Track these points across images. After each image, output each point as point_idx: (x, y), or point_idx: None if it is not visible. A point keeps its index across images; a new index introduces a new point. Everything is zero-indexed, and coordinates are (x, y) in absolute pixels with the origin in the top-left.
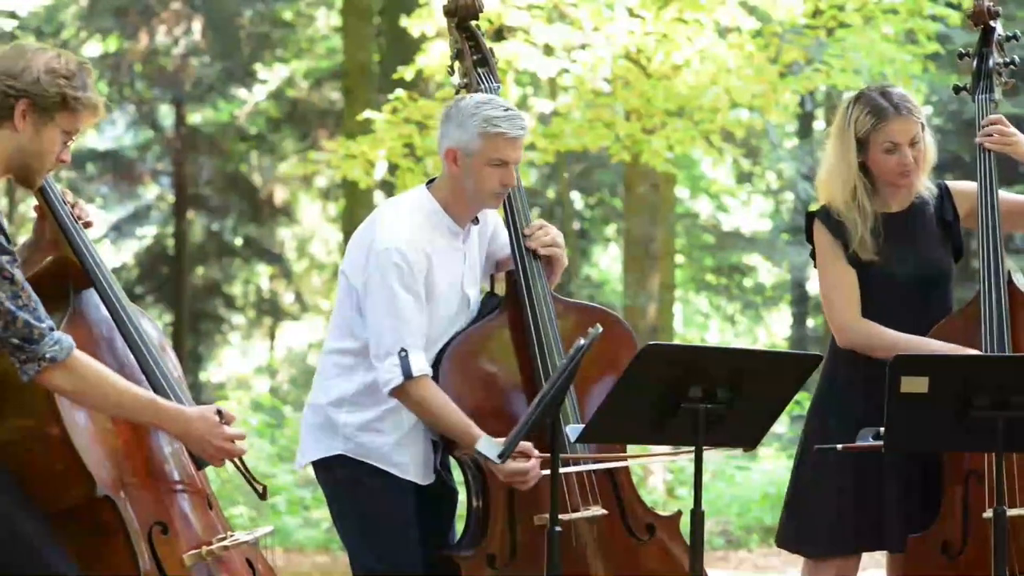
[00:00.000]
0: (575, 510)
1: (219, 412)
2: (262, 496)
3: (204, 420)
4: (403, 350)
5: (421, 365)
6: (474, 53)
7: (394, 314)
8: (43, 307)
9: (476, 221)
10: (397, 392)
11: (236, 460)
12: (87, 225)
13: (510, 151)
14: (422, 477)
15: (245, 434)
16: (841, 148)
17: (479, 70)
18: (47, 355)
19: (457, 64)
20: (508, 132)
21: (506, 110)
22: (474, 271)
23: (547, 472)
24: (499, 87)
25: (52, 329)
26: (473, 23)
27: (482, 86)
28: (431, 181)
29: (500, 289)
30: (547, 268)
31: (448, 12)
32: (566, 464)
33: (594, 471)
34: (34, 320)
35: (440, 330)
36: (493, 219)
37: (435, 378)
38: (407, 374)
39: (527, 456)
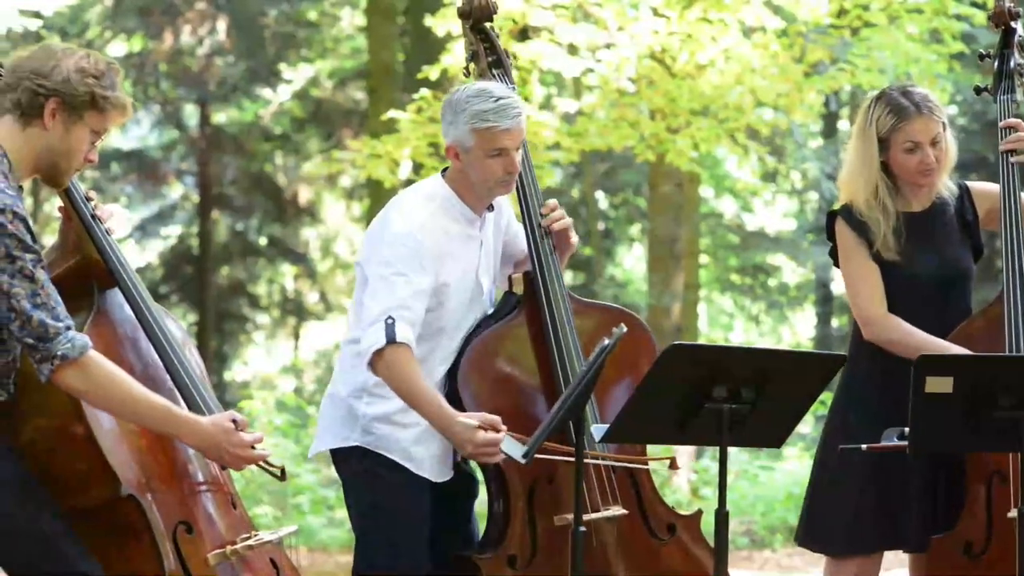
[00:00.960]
0: (595, 510)
1: (234, 420)
2: (281, 477)
3: (219, 428)
4: (390, 317)
5: (405, 334)
6: (489, 55)
7: (390, 288)
8: (66, 307)
9: (491, 208)
10: (376, 358)
11: None
12: (110, 232)
13: (506, 140)
14: (437, 474)
15: (262, 437)
16: (863, 147)
17: (494, 71)
18: (59, 353)
19: (472, 66)
20: (498, 124)
21: (496, 100)
22: (489, 259)
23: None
24: (515, 88)
25: (69, 328)
26: (488, 25)
27: None
28: (445, 170)
29: (520, 289)
30: (559, 247)
31: (463, 14)
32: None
33: (615, 470)
34: (50, 319)
35: (454, 320)
36: (508, 211)
37: (454, 379)
38: (390, 338)
39: (496, 428)
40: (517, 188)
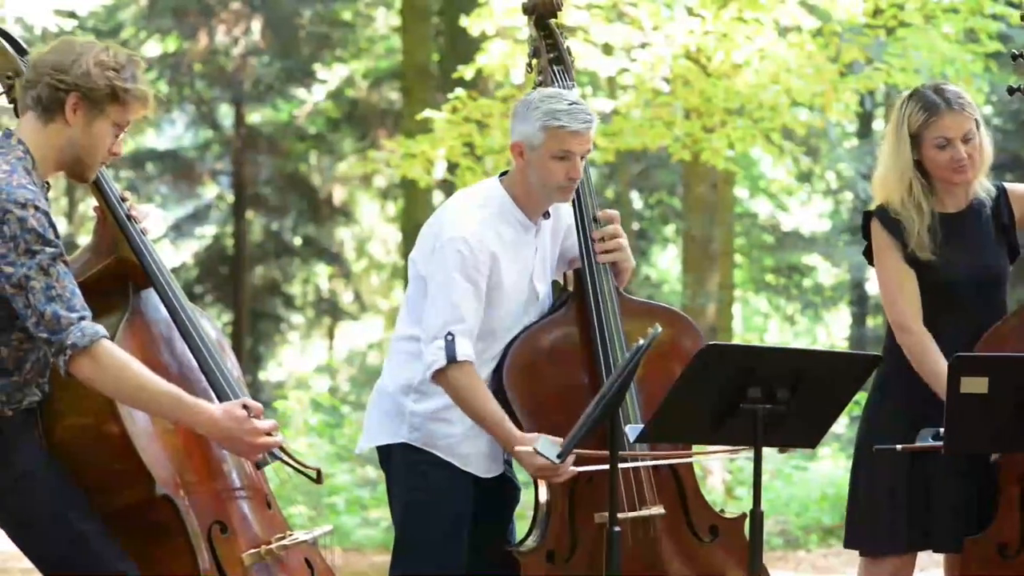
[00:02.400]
0: (633, 509)
1: (245, 406)
2: (317, 480)
3: (230, 416)
4: (450, 334)
5: (466, 351)
6: (550, 51)
7: (447, 299)
8: (100, 307)
9: (547, 216)
10: (439, 375)
11: (281, 454)
12: (145, 232)
13: (573, 143)
14: (484, 470)
15: (277, 424)
16: (896, 145)
17: (554, 68)
18: (69, 342)
19: (534, 61)
20: (569, 125)
21: (571, 104)
22: (544, 265)
23: (594, 468)
24: (574, 85)
25: (83, 319)
26: (551, 21)
27: (556, 84)
28: (503, 173)
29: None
30: (614, 271)
31: (527, 10)
32: (623, 460)
33: (658, 469)
34: (64, 311)
35: (507, 324)
36: (568, 215)
37: (499, 373)
38: (451, 357)
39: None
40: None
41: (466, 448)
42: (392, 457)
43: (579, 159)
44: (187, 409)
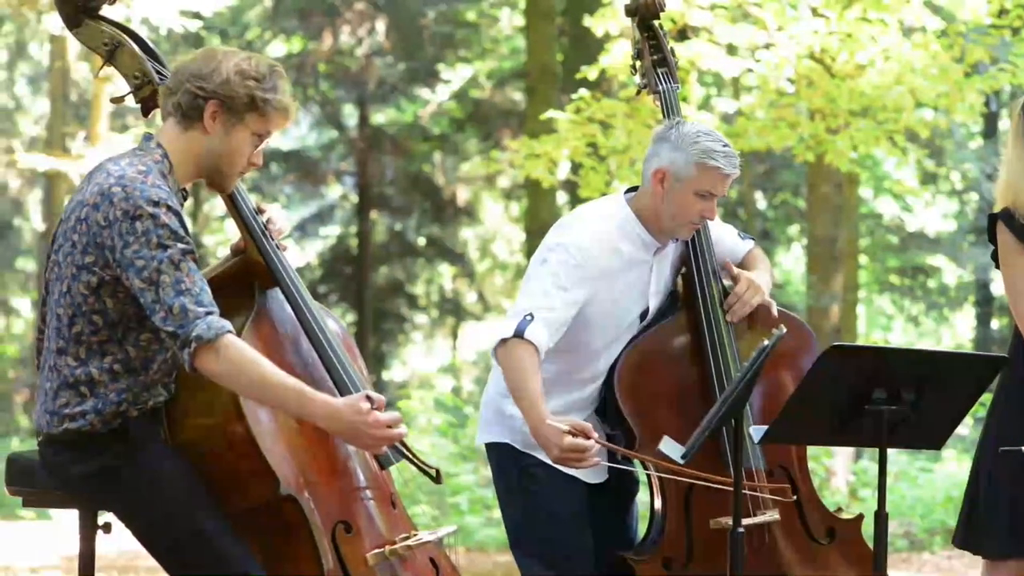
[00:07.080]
0: (751, 515)
1: (368, 398)
2: (436, 480)
3: (353, 409)
4: (530, 314)
5: (538, 336)
6: (654, 53)
7: (544, 292)
8: (227, 307)
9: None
10: (500, 346)
11: (404, 451)
12: (281, 248)
13: (720, 185)
14: (588, 475)
15: (400, 417)
16: (1020, 155)
17: (658, 70)
18: (194, 335)
19: (638, 63)
20: (724, 168)
21: (724, 146)
22: (660, 287)
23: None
24: (678, 87)
25: (210, 314)
26: (655, 23)
27: (660, 86)
28: (630, 190)
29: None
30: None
31: (630, 12)
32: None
33: (773, 474)
34: (192, 304)
35: (612, 335)
36: (715, 230)
37: (611, 381)
38: (519, 332)
39: (586, 436)
40: None
41: None
42: (498, 456)
43: (715, 200)
44: (310, 403)
